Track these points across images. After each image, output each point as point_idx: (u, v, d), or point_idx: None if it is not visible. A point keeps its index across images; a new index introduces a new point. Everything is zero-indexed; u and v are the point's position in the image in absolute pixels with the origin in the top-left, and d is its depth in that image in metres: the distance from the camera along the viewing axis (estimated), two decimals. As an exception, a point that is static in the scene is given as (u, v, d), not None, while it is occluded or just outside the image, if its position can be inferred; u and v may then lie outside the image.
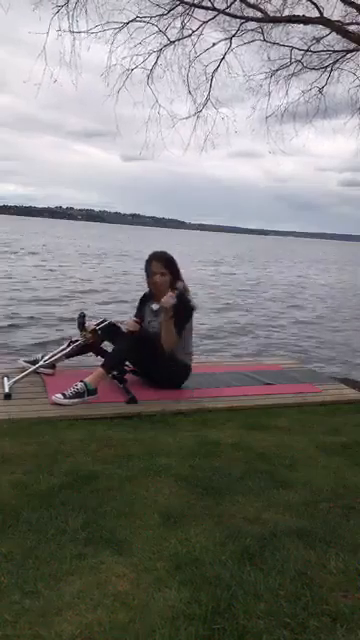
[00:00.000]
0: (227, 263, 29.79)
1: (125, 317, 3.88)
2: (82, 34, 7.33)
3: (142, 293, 3.92)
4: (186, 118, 8.26)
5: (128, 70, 7.67)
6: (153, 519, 1.93)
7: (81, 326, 3.72)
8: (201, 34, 7.69)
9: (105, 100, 7.76)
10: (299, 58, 7.98)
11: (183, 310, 3.54)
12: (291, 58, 7.98)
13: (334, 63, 8.01)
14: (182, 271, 3.70)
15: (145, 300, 3.83)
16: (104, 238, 55.06)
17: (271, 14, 7.35)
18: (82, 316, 3.74)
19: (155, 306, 3.59)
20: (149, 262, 3.66)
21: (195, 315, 3.71)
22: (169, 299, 3.39)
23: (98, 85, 7.73)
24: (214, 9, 7.36)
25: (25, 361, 3.88)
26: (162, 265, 3.61)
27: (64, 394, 3.23)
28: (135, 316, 3.84)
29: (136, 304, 3.94)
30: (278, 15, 7.39)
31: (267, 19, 7.34)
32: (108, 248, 36.05)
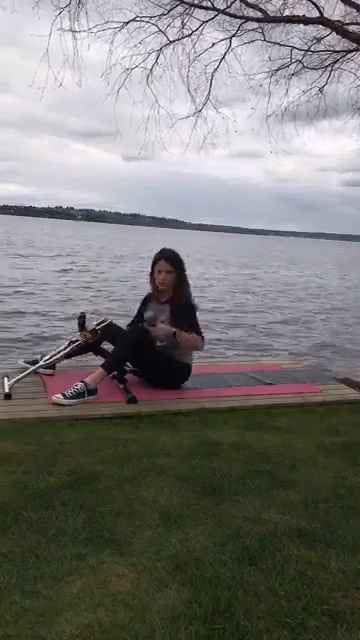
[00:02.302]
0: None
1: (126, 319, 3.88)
2: (82, 34, 7.36)
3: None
4: (186, 117, 8.28)
5: (128, 70, 7.69)
6: (153, 519, 1.93)
7: (81, 326, 3.72)
8: (201, 34, 7.71)
9: (105, 100, 7.79)
10: (299, 58, 7.99)
11: (183, 312, 3.56)
12: (291, 58, 7.99)
13: (334, 63, 8.03)
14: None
15: (147, 301, 3.84)
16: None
17: (271, 14, 7.35)
18: (82, 316, 3.74)
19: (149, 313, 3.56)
20: (157, 259, 3.67)
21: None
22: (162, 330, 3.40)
23: (100, 85, 7.75)
24: (214, 9, 7.36)
25: (25, 361, 3.89)
26: (169, 263, 3.63)
27: (64, 394, 3.23)
28: (135, 317, 3.85)
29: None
30: (278, 15, 7.39)
31: (267, 19, 7.34)
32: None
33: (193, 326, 3.58)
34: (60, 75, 7.67)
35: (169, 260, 3.65)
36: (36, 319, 8.77)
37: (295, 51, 7.91)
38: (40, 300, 10.88)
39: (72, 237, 51.44)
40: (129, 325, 3.85)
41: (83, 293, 12.34)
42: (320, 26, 7.46)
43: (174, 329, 3.43)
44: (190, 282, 3.79)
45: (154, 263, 3.69)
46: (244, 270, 25.29)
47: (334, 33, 7.40)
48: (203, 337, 3.63)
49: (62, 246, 32.66)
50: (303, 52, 7.90)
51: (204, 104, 8.17)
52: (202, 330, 3.64)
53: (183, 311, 3.59)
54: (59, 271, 17.21)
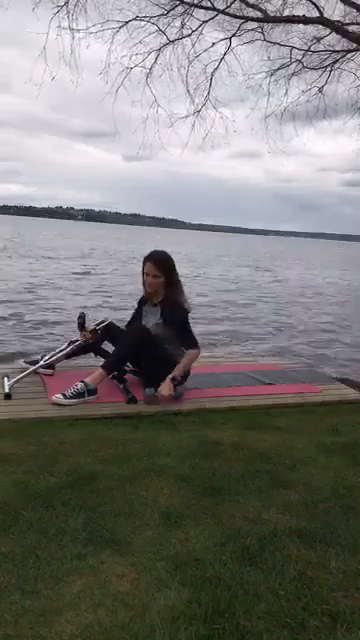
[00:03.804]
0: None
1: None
2: (81, 33, 7.37)
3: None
4: (185, 117, 8.27)
5: (127, 69, 7.69)
6: (153, 519, 1.93)
7: (81, 326, 3.72)
8: (201, 34, 7.71)
9: (104, 99, 7.80)
10: (299, 58, 7.99)
11: (174, 316, 3.55)
12: (291, 58, 7.99)
13: (334, 63, 8.03)
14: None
15: (142, 303, 3.84)
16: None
17: (271, 14, 7.35)
18: (82, 316, 3.74)
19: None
20: (143, 263, 3.65)
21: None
22: (167, 391, 3.36)
23: (100, 85, 7.75)
24: (214, 9, 7.37)
25: (25, 361, 3.89)
26: (156, 267, 3.59)
27: (64, 394, 3.23)
28: (132, 318, 3.84)
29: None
30: (278, 15, 7.40)
31: (267, 19, 7.34)
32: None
33: (185, 332, 3.56)
34: (57, 72, 7.69)
35: (156, 263, 3.59)
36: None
37: (295, 51, 7.92)
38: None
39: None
40: (127, 325, 3.84)
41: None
42: (320, 26, 7.46)
43: (170, 376, 3.40)
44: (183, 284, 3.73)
45: (143, 265, 3.67)
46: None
47: (334, 33, 7.40)
48: (197, 345, 3.61)
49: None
50: (303, 52, 7.92)
51: (203, 104, 8.18)
52: (195, 334, 3.62)
53: (174, 315, 3.57)
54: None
